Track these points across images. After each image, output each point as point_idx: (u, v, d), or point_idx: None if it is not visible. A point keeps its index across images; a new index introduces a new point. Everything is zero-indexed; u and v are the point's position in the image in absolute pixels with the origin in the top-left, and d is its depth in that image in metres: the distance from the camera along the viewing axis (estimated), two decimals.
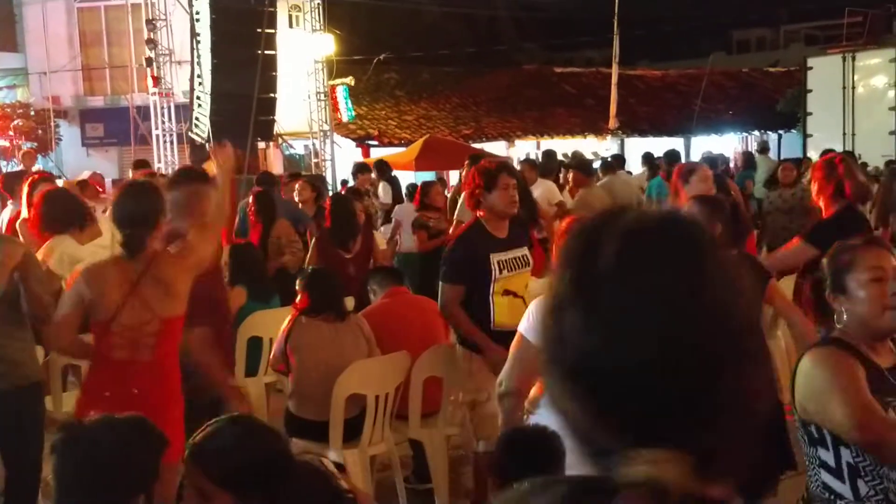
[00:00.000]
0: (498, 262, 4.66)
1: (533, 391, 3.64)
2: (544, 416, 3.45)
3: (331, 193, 10.63)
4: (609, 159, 12.59)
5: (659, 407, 0.85)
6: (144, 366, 3.74)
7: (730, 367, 0.87)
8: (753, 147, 20.71)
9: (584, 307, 0.88)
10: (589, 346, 0.87)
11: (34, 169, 12.92)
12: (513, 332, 3.66)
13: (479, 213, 4.77)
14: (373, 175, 11.78)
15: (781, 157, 18.30)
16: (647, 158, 14.10)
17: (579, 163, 10.76)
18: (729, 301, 0.88)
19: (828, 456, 2.55)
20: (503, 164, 5.15)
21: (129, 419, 2.49)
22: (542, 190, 9.27)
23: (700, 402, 0.86)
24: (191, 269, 3.85)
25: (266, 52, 15.20)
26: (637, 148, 21.47)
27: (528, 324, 3.54)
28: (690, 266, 0.88)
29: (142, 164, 9.33)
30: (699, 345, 0.86)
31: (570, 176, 10.47)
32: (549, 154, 11.77)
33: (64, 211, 5.65)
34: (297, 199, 9.38)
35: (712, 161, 14.11)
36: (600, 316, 0.87)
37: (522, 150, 22.93)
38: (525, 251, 4.81)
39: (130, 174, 9.22)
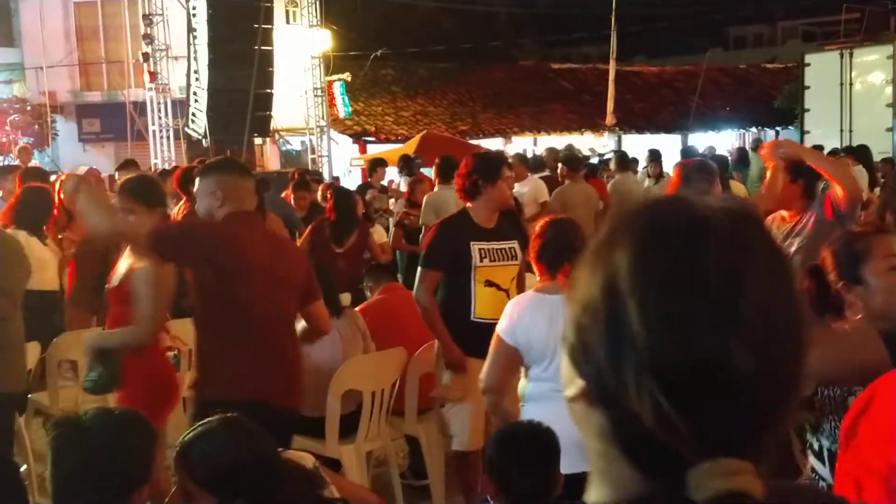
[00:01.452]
0: (479, 251, 4.58)
1: (521, 384, 3.66)
2: (531, 409, 3.49)
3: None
4: (627, 157, 12.30)
5: (734, 411, 0.78)
6: None
7: (796, 373, 0.82)
8: (749, 143, 20.70)
9: (653, 302, 0.79)
10: (664, 340, 0.78)
11: (31, 164, 12.93)
12: (494, 325, 3.68)
13: (469, 204, 4.70)
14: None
15: None
16: (655, 156, 13.74)
17: (566, 157, 10.54)
18: (789, 301, 0.82)
19: (813, 440, 2.62)
20: (503, 156, 5.14)
21: (123, 411, 2.48)
22: (531, 188, 9.16)
23: (772, 407, 0.81)
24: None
25: (263, 47, 15.20)
26: (634, 145, 21.46)
27: (505, 325, 3.58)
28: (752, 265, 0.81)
29: (129, 164, 9.33)
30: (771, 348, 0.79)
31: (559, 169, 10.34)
32: (550, 150, 11.62)
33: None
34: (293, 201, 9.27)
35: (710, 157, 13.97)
36: (671, 313, 0.78)
37: (519, 146, 22.93)
38: (514, 244, 4.71)
39: (117, 175, 9.23)
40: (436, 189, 8.41)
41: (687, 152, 12.58)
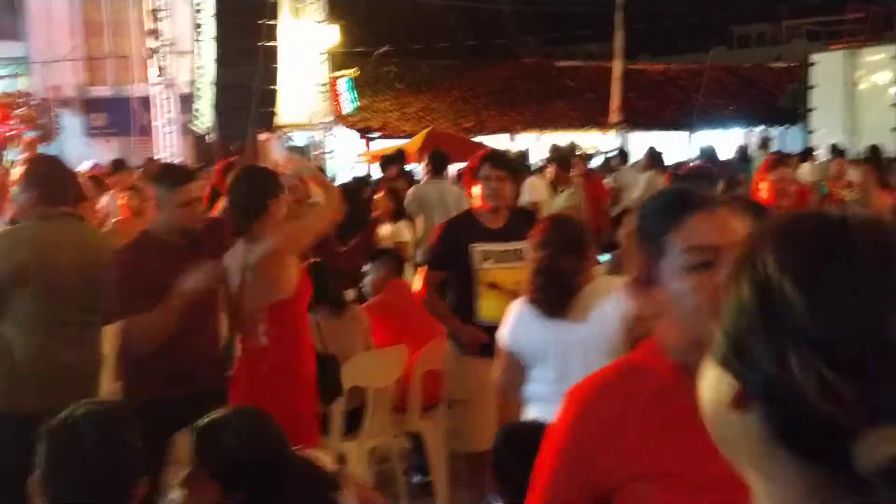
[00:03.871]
0: (482, 253, 4.54)
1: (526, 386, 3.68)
2: (534, 409, 3.50)
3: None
4: (657, 153, 12.13)
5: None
6: None
7: None
8: (754, 142, 20.70)
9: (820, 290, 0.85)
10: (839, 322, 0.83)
11: None
12: (498, 326, 3.67)
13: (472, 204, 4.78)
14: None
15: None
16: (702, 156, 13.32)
17: (560, 157, 10.52)
18: None
19: None
20: (488, 155, 4.98)
21: (111, 405, 2.45)
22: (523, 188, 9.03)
23: None
24: None
25: (267, 43, 15.24)
26: (638, 142, 21.46)
27: (503, 329, 3.56)
28: None
29: (119, 164, 9.52)
30: None
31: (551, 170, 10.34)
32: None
33: None
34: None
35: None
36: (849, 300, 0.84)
37: (523, 143, 22.92)
38: (523, 245, 4.54)
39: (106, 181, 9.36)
40: (423, 181, 8.37)
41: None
